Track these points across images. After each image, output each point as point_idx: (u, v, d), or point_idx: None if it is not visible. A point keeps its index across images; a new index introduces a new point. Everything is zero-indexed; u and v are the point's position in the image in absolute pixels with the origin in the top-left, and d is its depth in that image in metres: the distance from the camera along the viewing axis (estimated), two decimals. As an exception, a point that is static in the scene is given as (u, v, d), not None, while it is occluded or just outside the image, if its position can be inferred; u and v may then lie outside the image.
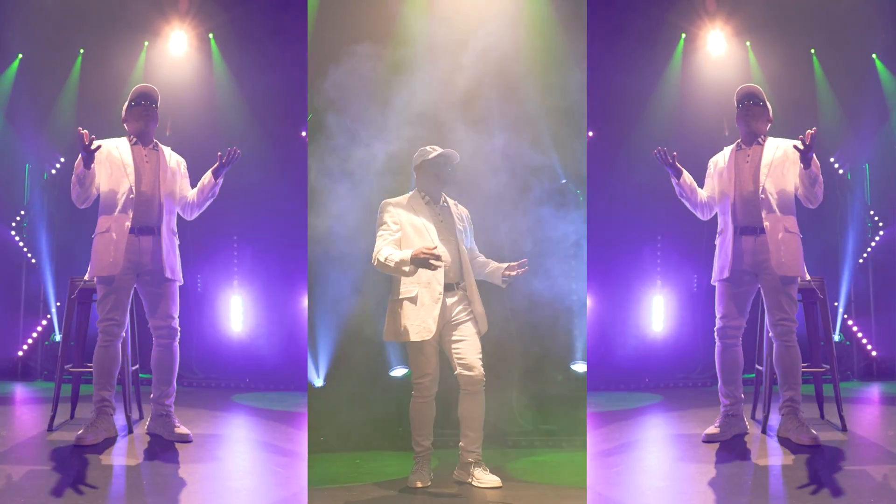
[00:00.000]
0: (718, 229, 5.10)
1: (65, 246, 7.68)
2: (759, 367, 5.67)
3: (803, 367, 5.15)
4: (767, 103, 5.04)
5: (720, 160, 5.12)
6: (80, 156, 4.76)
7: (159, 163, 5.04)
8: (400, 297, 4.31)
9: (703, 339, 7.28)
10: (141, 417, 5.75)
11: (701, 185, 5.18)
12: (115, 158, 4.97)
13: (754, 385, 5.84)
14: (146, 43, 7.62)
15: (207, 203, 5.19)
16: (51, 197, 7.86)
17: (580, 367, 6.09)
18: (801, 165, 4.74)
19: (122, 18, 7.55)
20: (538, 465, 5.15)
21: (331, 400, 5.79)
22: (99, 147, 4.77)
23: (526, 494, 4.30)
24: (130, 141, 5.06)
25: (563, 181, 6.30)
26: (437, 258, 4.06)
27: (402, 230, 4.30)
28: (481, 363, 4.29)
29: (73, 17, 7.51)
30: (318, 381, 6.02)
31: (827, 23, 7.44)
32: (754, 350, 5.74)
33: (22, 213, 7.86)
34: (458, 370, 4.27)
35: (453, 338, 4.28)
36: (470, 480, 4.30)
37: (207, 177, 5.10)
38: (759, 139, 5.00)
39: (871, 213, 7.72)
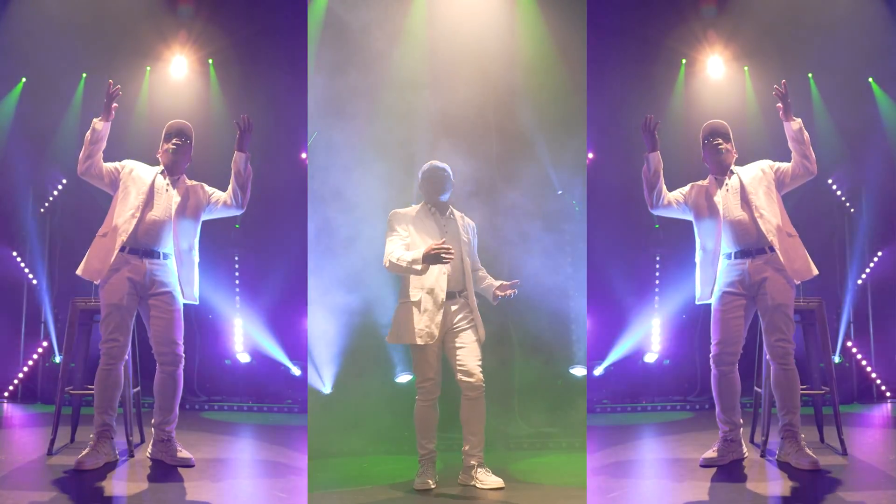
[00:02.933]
0: (698, 253, 5.14)
1: (66, 267, 7.66)
2: (758, 390, 5.63)
3: (802, 390, 5.12)
4: (731, 138, 5.14)
5: (700, 184, 5.16)
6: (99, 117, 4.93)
7: (178, 190, 5.10)
8: (405, 301, 4.49)
9: (701, 361, 7.24)
10: (142, 441, 5.68)
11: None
12: (139, 175, 5.07)
13: (753, 408, 5.79)
14: (148, 68, 7.67)
15: (248, 183, 5.15)
16: (52, 218, 7.88)
17: (579, 370, 6.26)
18: (785, 124, 4.89)
19: (124, 44, 7.61)
20: (540, 466, 5.31)
21: (337, 405, 6.02)
22: (117, 93, 4.95)
23: (528, 495, 4.46)
24: (159, 170, 5.15)
25: (560, 192, 6.43)
26: (449, 251, 4.22)
27: (411, 237, 4.51)
28: (481, 370, 4.49)
29: (76, 41, 7.55)
30: (326, 389, 6.17)
31: (824, 47, 7.49)
32: (753, 372, 5.71)
33: (23, 234, 7.87)
34: (459, 376, 4.45)
35: (455, 344, 4.46)
36: (473, 483, 4.45)
37: (236, 155, 5.10)
38: (729, 172, 5.08)
39: (870, 234, 7.73)
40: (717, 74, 7.66)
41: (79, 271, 5.01)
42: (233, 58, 7.69)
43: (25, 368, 7.73)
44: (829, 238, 7.64)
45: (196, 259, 5.18)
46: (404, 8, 7.08)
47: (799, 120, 4.92)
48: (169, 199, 5.06)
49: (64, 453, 5.28)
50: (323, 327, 6.28)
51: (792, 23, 7.54)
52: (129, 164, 5.14)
